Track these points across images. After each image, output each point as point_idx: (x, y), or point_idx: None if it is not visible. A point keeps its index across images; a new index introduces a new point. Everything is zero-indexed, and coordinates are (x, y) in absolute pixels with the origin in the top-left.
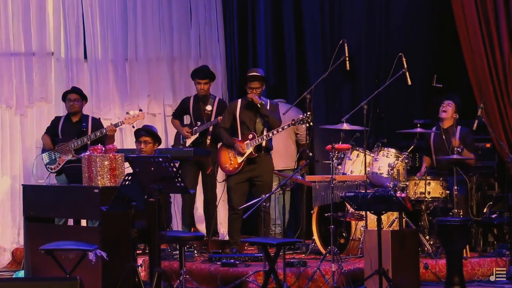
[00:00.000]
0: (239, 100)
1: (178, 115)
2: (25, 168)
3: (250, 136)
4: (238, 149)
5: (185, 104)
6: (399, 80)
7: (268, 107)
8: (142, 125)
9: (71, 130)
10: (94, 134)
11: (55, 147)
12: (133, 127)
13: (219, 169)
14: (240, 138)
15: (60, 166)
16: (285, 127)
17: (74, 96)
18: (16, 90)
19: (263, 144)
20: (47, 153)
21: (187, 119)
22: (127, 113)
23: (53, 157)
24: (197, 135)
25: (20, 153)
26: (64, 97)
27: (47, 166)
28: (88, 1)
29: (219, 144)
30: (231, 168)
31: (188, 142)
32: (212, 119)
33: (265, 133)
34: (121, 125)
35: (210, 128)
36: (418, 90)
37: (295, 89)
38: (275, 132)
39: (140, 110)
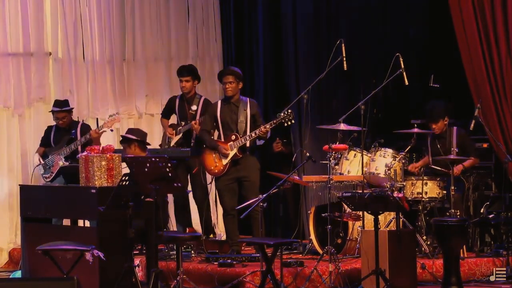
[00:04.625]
0: (219, 101)
1: (166, 114)
2: (22, 168)
3: (233, 137)
4: (222, 151)
5: (171, 103)
6: (396, 80)
7: (248, 106)
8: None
9: (62, 138)
10: (80, 141)
11: (49, 156)
12: (112, 130)
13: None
14: (222, 140)
15: (53, 174)
16: (268, 126)
17: (62, 114)
18: (14, 90)
19: (247, 144)
20: (41, 165)
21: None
22: (109, 116)
23: (47, 167)
24: (180, 135)
25: (17, 153)
26: (53, 114)
27: (43, 175)
28: (86, 1)
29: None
30: (216, 171)
31: (172, 142)
32: (197, 119)
33: (248, 133)
34: (101, 129)
35: None
36: (415, 90)
37: (293, 89)
38: (257, 132)
39: (117, 113)
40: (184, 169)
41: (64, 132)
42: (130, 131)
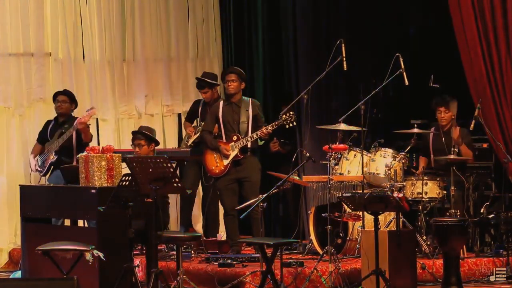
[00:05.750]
0: (221, 102)
1: (189, 118)
2: (22, 168)
3: (235, 137)
4: (223, 151)
5: (195, 106)
6: (396, 80)
7: (250, 106)
8: (140, 125)
9: (56, 132)
10: (69, 131)
11: (45, 149)
12: (89, 124)
13: None
14: (224, 140)
15: (45, 168)
16: (269, 128)
17: (62, 97)
18: (14, 90)
19: (249, 145)
20: (39, 156)
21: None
22: (86, 110)
23: (42, 161)
24: (198, 134)
25: (18, 153)
26: (54, 98)
27: (39, 169)
28: (86, 1)
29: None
30: (217, 171)
31: (190, 141)
32: None
33: (249, 134)
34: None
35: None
36: (415, 90)
37: (293, 89)
38: (259, 133)
39: (92, 107)
40: (197, 168)
41: (59, 126)
42: (146, 129)
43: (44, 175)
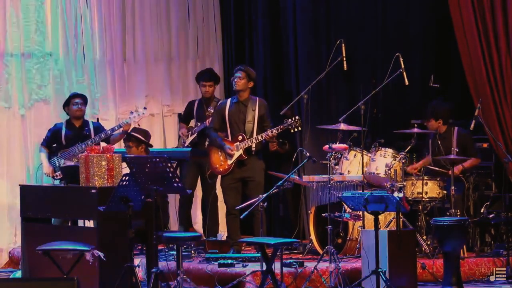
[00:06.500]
0: (228, 100)
1: (184, 119)
2: (23, 168)
3: (240, 137)
4: (227, 151)
5: (190, 107)
6: (396, 80)
7: (257, 106)
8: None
9: (75, 135)
10: (104, 133)
11: (58, 153)
12: (139, 125)
13: None
14: (230, 139)
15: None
16: (274, 131)
17: (80, 100)
18: (15, 90)
19: (253, 147)
20: (49, 162)
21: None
22: (131, 112)
23: (57, 164)
24: (195, 135)
25: (18, 154)
26: (68, 101)
27: (56, 173)
28: (86, 1)
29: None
30: (221, 169)
31: (187, 142)
32: None
33: (255, 134)
34: (130, 121)
35: None
36: (415, 90)
37: (293, 89)
38: (264, 135)
39: (145, 108)
40: (195, 169)
41: (77, 129)
42: (137, 131)
43: (61, 180)
